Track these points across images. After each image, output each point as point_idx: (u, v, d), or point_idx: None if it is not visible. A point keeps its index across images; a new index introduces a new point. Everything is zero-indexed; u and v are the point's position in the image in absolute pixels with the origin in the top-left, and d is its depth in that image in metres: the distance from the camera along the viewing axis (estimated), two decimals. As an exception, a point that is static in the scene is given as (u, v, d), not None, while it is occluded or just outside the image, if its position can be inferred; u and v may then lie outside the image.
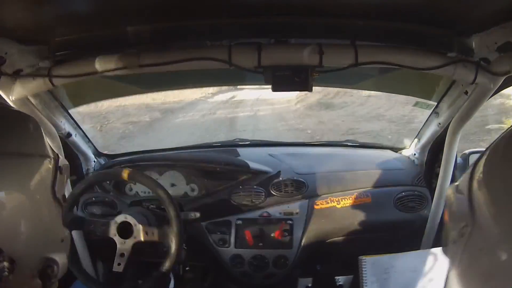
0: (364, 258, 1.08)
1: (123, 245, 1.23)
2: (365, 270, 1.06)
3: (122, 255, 1.23)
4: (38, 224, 0.60)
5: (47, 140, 0.66)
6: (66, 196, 0.71)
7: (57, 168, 0.66)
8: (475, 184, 0.49)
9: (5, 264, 0.53)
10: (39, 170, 0.62)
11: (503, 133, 0.50)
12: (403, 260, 1.10)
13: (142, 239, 1.24)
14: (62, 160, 0.69)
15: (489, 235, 0.44)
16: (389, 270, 1.07)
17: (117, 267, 1.22)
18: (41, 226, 0.61)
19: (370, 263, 1.08)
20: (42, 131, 0.66)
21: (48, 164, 0.64)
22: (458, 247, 0.49)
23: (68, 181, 1.33)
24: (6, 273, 0.52)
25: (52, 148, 0.67)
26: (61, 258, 0.64)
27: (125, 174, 1.27)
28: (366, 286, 1.03)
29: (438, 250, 1.11)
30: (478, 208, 0.47)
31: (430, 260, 1.08)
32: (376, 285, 1.04)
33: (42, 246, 0.61)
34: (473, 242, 0.46)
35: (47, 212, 0.63)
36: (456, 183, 0.55)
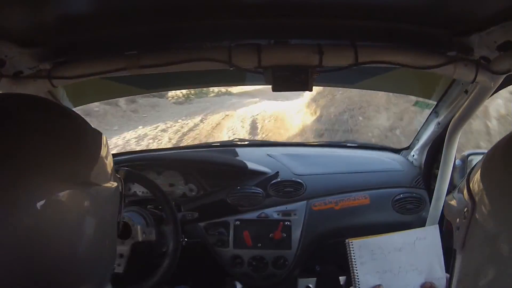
0: (351, 241, 1.12)
1: (121, 246, 1.24)
2: (353, 253, 1.10)
3: (121, 256, 1.23)
4: (99, 256, 0.58)
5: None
6: None
7: (122, 195, 0.63)
8: (473, 178, 0.55)
9: None
10: (111, 200, 0.59)
11: (505, 136, 0.54)
12: (389, 240, 1.14)
13: (140, 239, 1.24)
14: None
15: (489, 210, 0.49)
16: (376, 251, 1.12)
17: (118, 268, 1.22)
18: (98, 259, 0.59)
19: (357, 246, 1.12)
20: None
21: (116, 192, 0.61)
22: (462, 231, 0.54)
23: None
24: None
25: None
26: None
27: (121, 173, 1.27)
28: (356, 267, 1.07)
29: (422, 230, 1.17)
30: (476, 191, 0.52)
31: (414, 239, 1.13)
32: (365, 266, 1.09)
33: (95, 277, 0.59)
34: (475, 222, 0.51)
35: (110, 242, 0.61)
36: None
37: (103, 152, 0.59)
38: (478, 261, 0.51)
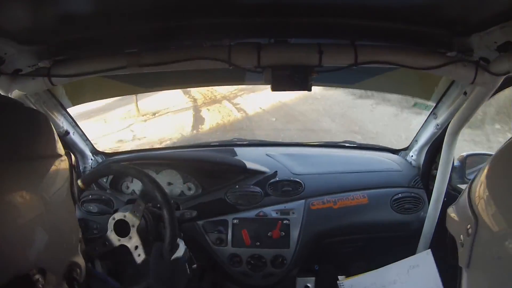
0: (342, 282, 1.08)
1: (131, 241, 1.24)
2: None
3: (136, 247, 1.24)
4: (60, 228, 0.59)
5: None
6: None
7: (72, 166, 0.65)
8: (475, 193, 0.52)
9: (38, 276, 0.51)
10: (58, 171, 0.60)
11: (506, 142, 0.51)
12: (382, 274, 1.11)
13: (139, 237, 1.24)
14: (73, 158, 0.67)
15: (493, 229, 0.46)
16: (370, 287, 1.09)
17: (138, 258, 1.23)
18: (62, 229, 0.60)
19: (348, 286, 1.08)
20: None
21: (64, 164, 0.62)
22: (466, 249, 0.51)
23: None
24: (40, 285, 0.51)
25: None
26: (81, 261, 0.63)
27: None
28: None
29: (414, 258, 1.13)
30: (479, 208, 0.49)
31: (407, 268, 1.10)
32: None
33: (65, 250, 0.60)
34: (480, 241, 0.49)
35: (67, 214, 0.62)
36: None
37: (45, 130, 0.62)
38: (486, 282, 0.49)
